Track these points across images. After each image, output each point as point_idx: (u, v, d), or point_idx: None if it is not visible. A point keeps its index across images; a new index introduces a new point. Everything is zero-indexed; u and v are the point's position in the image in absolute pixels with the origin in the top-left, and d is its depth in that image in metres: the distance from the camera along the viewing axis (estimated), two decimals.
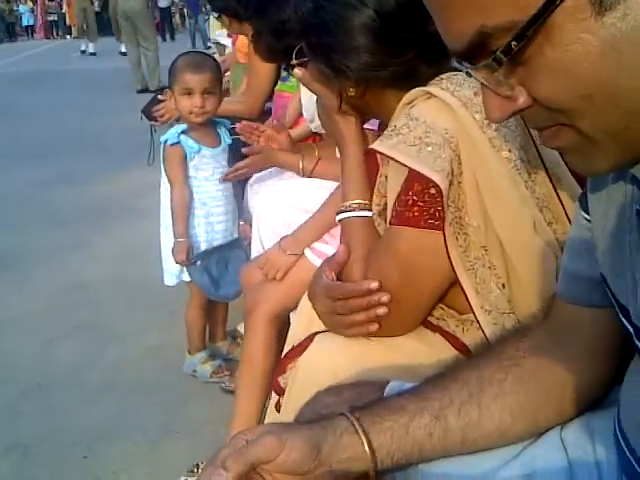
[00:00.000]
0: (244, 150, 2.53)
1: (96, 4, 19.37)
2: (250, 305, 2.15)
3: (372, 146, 1.29)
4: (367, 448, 0.89)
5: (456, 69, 1.29)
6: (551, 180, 1.24)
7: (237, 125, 2.62)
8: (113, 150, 6.87)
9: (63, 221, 4.80)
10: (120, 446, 2.34)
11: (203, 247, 2.58)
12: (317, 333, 1.34)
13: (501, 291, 1.21)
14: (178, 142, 2.49)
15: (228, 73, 4.13)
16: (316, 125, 2.51)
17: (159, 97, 3.03)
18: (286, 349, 1.51)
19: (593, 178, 0.87)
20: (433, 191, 1.18)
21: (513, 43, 0.62)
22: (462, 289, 1.22)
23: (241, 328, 2.86)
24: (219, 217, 2.60)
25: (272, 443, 0.85)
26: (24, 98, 11.21)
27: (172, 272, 2.63)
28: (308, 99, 2.49)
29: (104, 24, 20.51)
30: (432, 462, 0.94)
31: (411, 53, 1.30)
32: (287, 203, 2.35)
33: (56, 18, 32.24)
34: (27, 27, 34.34)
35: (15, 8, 33.55)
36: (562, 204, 1.24)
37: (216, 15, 3.94)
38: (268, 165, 2.56)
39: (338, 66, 1.32)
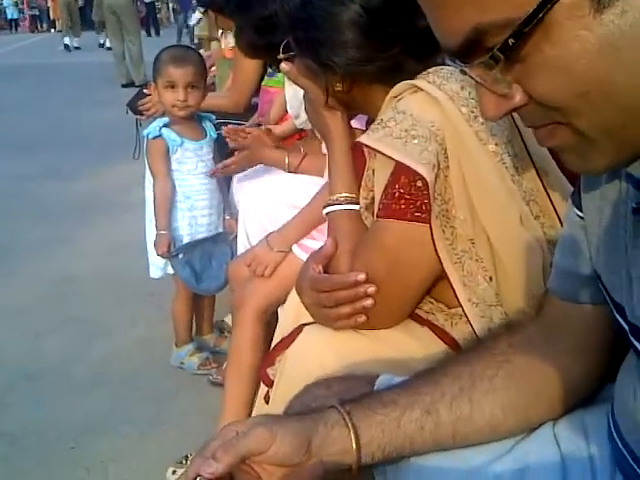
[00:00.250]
0: (231, 145, 2.53)
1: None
2: (238, 301, 2.15)
3: (359, 139, 1.30)
4: (354, 443, 0.89)
5: (444, 64, 1.30)
6: (538, 174, 1.24)
7: (223, 129, 2.62)
8: (98, 144, 6.84)
9: (49, 215, 4.78)
10: (108, 438, 2.34)
11: (186, 240, 2.58)
12: (305, 325, 1.34)
13: (488, 284, 1.22)
14: (160, 135, 2.49)
15: (214, 68, 4.11)
16: (301, 121, 2.52)
17: (144, 91, 3.03)
18: (275, 341, 1.52)
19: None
20: (420, 184, 1.18)
21: (510, 40, 0.62)
22: (449, 282, 1.22)
23: (228, 320, 2.87)
24: (203, 211, 2.61)
25: (263, 435, 0.85)
26: (8, 92, 11.12)
27: (157, 265, 2.63)
28: (292, 95, 2.49)
29: (88, 18, 20.40)
30: (424, 456, 0.94)
31: (397, 48, 1.30)
32: (273, 198, 2.36)
33: (37, 12, 32.03)
34: (11, 20, 34.08)
35: None
36: (550, 198, 1.24)
37: (202, 10, 3.94)
38: (255, 163, 2.56)
39: (325, 61, 1.32)
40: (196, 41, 5.74)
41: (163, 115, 2.66)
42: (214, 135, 2.62)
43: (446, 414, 0.93)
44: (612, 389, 0.91)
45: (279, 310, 2.13)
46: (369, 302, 1.24)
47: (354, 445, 0.89)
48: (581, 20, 0.60)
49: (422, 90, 1.24)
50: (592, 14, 0.60)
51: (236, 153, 2.63)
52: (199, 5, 4.38)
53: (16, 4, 33.25)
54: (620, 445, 0.85)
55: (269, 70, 2.98)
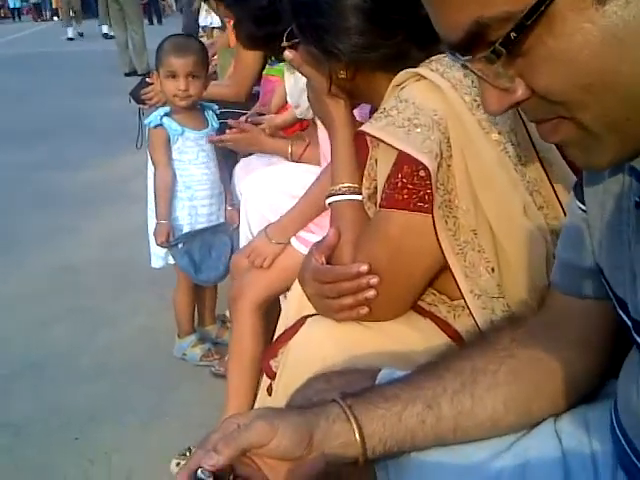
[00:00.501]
0: (230, 122, 2.52)
1: None
2: (236, 292, 2.14)
3: (361, 128, 1.28)
4: (357, 436, 0.89)
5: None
6: (542, 164, 1.23)
7: (229, 121, 2.61)
8: (103, 133, 6.84)
9: (53, 204, 4.79)
10: (111, 428, 2.35)
11: (186, 230, 2.58)
12: (308, 316, 1.34)
13: (490, 275, 1.21)
14: (161, 124, 2.49)
15: (215, 57, 4.10)
16: (301, 111, 2.51)
17: (147, 80, 3.02)
18: (278, 333, 1.51)
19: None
20: (422, 174, 1.17)
21: (512, 34, 0.61)
22: (452, 274, 1.21)
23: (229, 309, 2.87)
24: (203, 201, 2.60)
25: (264, 429, 0.85)
26: (11, 81, 11.11)
27: (158, 254, 2.63)
28: (292, 85, 2.49)
29: (90, 6, 20.36)
30: (425, 451, 0.94)
31: (401, 35, 1.29)
32: (275, 188, 2.35)
33: (39, 1, 32.02)
34: (14, 9, 34.06)
35: None
36: (553, 188, 1.23)
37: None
38: (255, 148, 2.55)
39: (329, 48, 1.31)
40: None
41: (165, 104, 2.65)
42: (216, 125, 2.61)
43: (448, 408, 0.93)
44: (615, 385, 0.91)
45: (281, 299, 2.13)
46: (372, 293, 1.23)
47: (358, 438, 0.89)
48: (584, 12, 0.59)
49: (425, 78, 1.22)
50: (595, 6, 0.59)
51: None
52: None
53: None
54: (623, 441, 0.85)
55: (269, 59, 2.97)
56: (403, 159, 1.19)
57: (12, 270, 3.75)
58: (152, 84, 2.92)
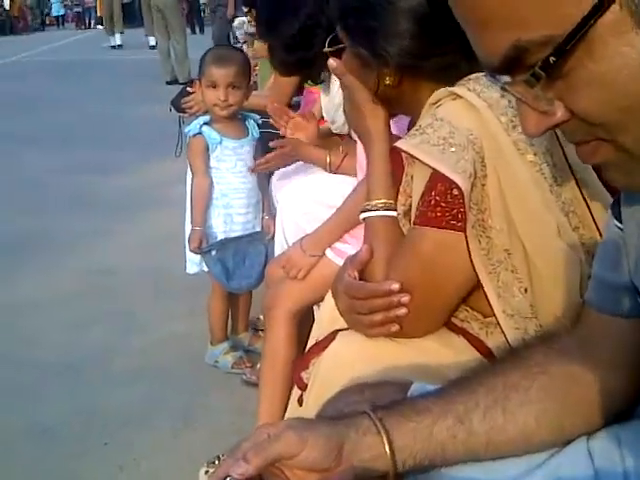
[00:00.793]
0: (272, 144, 2.54)
1: None
2: (270, 301, 2.16)
3: (396, 144, 1.29)
4: (388, 450, 0.89)
5: None
6: (578, 184, 1.22)
7: (268, 106, 2.62)
8: (142, 140, 6.92)
9: (91, 208, 4.85)
10: (140, 434, 2.36)
11: (220, 237, 2.60)
12: (339, 331, 1.34)
13: (523, 295, 1.20)
14: (200, 133, 2.53)
15: (257, 67, 4.13)
16: (337, 126, 2.52)
17: (188, 89, 3.06)
18: (310, 344, 1.52)
19: None
20: (456, 192, 1.17)
21: (552, 58, 0.61)
22: (484, 293, 1.21)
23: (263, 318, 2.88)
24: (240, 209, 2.63)
25: (294, 440, 0.85)
26: (55, 87, 11.32)
27: (193, 261, 2.66)
28: (328, 101, 2.50)
29: (133, 15, 20.50)
30: (455, 467, 0.94)
31: (453, 45, 1.26)
32: (311, 198, 2.36)
33: (80, 10, 32.52)
34: (57, 17, 34.60)
35: None
36: (589, 209, 1.22)
37: (246, 9, 3.97)
38: (295, 158, 2.56)
39: (378, 51, 1.31)
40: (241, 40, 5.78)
41: (206, 113, 2.69)
42: (256, 135, 2.64)
43: (479, 424, 0.93)
44: None
45: (315, 309, 2.13)
46: (402, 311, 1.23)
47: (388, 451, 0.89)
48: (624, 36, 0.59)
49: (461, 97, 1.23)
50: (635, 30, 0.59)
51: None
52: (243, 4, 4.41)
53: (62, 0, 33.77)
54: None
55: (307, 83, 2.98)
56: (437, 177, 1.20)
57: (48, 272, 3.80)
58: (193, 93, 2.96)
